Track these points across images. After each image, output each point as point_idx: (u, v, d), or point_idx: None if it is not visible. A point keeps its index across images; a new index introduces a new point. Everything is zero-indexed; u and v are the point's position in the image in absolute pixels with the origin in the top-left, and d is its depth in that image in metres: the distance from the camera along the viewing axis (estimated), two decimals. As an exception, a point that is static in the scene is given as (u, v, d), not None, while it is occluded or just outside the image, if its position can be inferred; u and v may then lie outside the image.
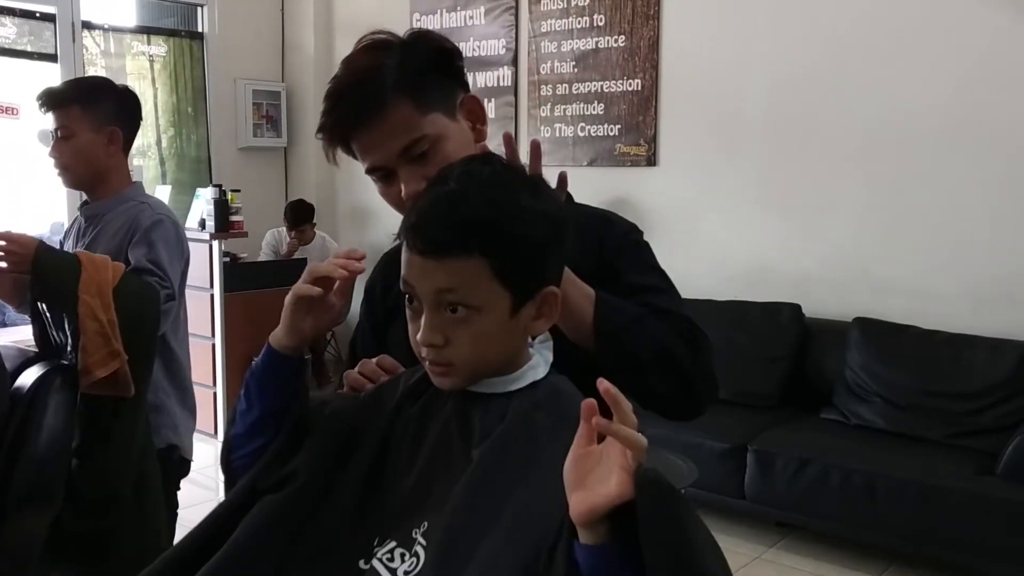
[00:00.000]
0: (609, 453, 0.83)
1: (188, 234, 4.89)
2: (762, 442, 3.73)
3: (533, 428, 0.99)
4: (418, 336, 1.01)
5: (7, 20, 5.04)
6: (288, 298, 1.13)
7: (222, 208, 4.85)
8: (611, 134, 5.00)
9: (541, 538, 0.88)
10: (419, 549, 0.95)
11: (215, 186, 4.95)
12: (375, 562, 0.97)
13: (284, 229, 5.75)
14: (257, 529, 1.04)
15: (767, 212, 4.46)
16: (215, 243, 4.85)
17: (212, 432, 5.02)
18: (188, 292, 4.96)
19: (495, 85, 5.47)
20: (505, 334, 1.02)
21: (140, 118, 2.43)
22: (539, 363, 1.08)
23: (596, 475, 0.83)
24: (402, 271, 1.02)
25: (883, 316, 4.01)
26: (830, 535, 3.68)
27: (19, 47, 5.14)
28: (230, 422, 1.18)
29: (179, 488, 2.42)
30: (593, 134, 5.06)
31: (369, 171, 1.29)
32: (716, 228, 4.61)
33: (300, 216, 5.71)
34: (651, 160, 4.87)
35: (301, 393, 1.16)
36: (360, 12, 6.09)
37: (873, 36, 4.13)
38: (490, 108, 5.50)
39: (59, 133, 2.26)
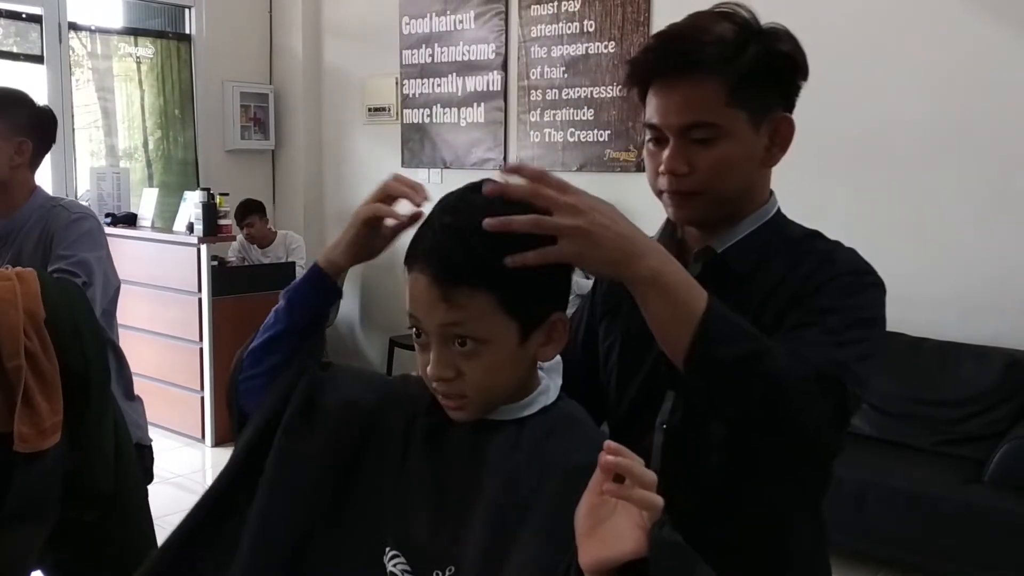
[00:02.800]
0: (625, 507, 0.83)
1: (176, 237, 4.93)
2: (751, 449, 3.73)
3: (543, 460, 1.00)
4: (428, 370, 1.01)
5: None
6: (359, 214, 1.12)
7: (210, 212, 4.82)
8: (600, 140, 5.01)
9: None
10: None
11: (203, 189, 4.92)
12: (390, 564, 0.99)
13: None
14: (284, 505, 1.06)
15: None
16: (203, 247, 4.83)
17: (199, 437, 5.00)
18: (174, 295, 4.99)
19: (484, 89, 5.47)
20: (515, 363, 1.02)
21: (54, 140, 2.35)
22: (549, 387, 1.08)
23: (609, 527, 0.83)
24: (407, 305, 1.02)
25: (871, 324, 4.03)
26: (818, 542, 3.70)
27: (5, 48, 5.11)
28: (248, 341, 1.19)
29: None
30: (583, 139, 5.07)
31: (647, 125, 1.23)
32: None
33: (243, 211, 5.51)
34: (641, 166, 4.86)
35: (325, 322, 1.19)
36: (349, 14, 6.08)
37: (858, 45, 4.16)
38: (479, 112, 5.50)
39: None
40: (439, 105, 5.70)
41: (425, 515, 1.02)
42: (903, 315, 4.00)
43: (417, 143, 5.80)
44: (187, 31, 5.99)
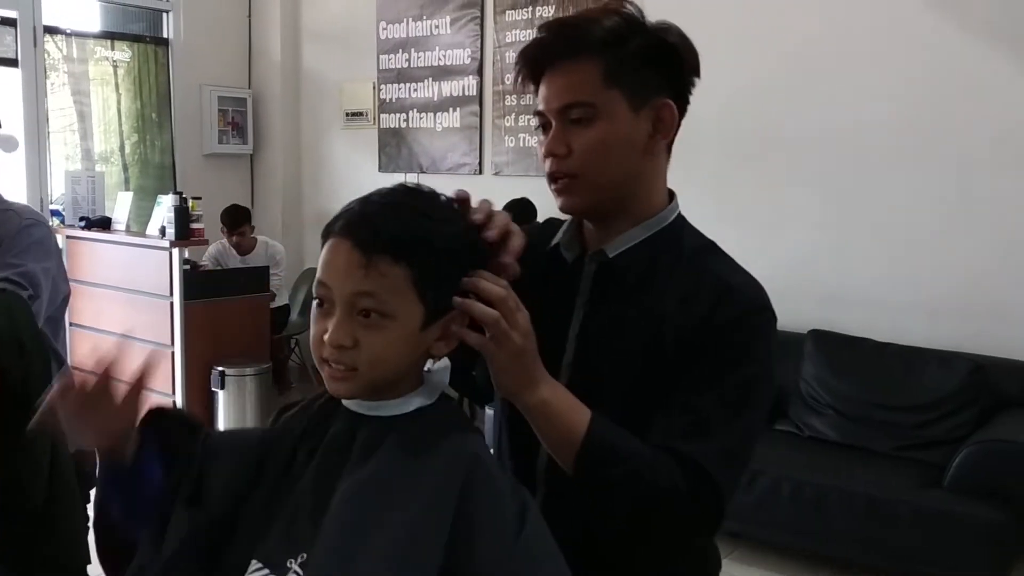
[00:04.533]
0: None
1: (148, 241, 4.93)
2: (715, 453, 3.74)
3: (400, 459, 1.01)
4: (325, 336, 1.01)
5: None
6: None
7: (182, 216, 4.82)
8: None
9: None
10: None
11: (176, 193, 4.91)
12: None
13: (226, 241, 5.64)
14: (174, 553, 1.06)
15: (721, 223, 4.39)
16: (175, 251, 4.82)
17: (171, 441, 4.99)
18: (146, 299, 4.99)
19: (460, 94, 5.48)
20: (410, 347, 1.03)
21: None
22: (428, 390, 1.09)
23: None
24: (319, 273, 1.03)
25: (838, 328, 4.05)
26: (781, 546, 3.71)
27: (-21, 51, 5.12)
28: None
29: (89, 500, 2.38)
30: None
31: (535, 113, 1.26)
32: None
33: (236, 219, 5.57)
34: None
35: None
36: (326, 18, 6.09)
37: (827, 51, 4.17)
38: (455, 117, 5.51)
39: None
40: (415, 110, 5.71)
41: (287, 518, 1.03)
42: (869, 320, 4.03)
43: (394, 147, 5.81)
44: (165, 35, 6.00)
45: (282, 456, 1.10)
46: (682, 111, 1.27)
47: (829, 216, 4.22)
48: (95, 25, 5.82)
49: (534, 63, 1.24)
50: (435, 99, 5.61)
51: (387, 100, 5.83)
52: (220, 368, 4.91)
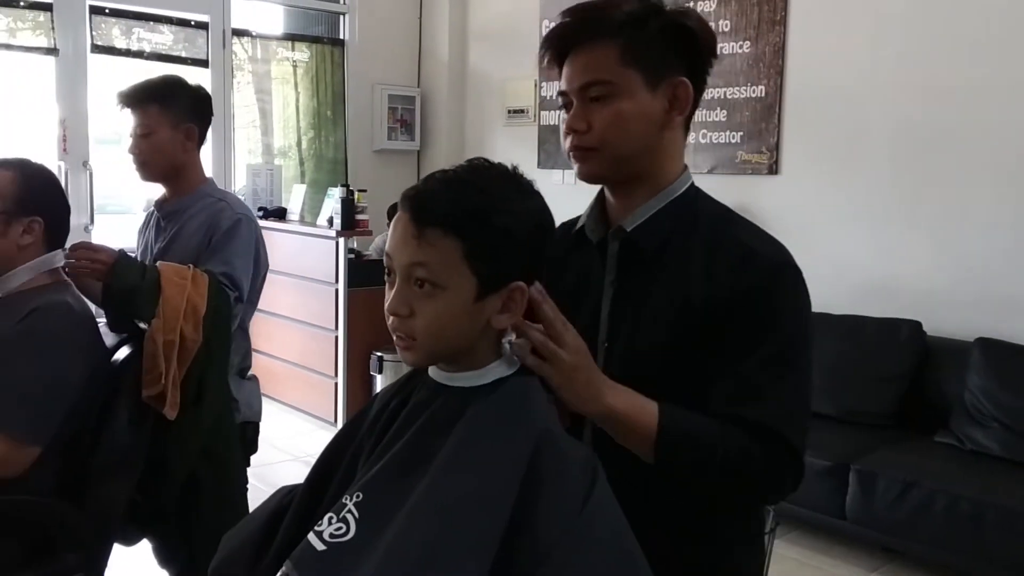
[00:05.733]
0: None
1: (317, 231, 5.21)
2: (866, 462, 3.58)
3: (472, 427, 1.05)
4: (386, 305, 1.08)
5: (164, 28, 5.45)
6: None
7: (349, 207, 5.07)
8: (733, 141, 4.92)
9: (441, 524, 0.96)
10: (348, 516, 1.02)
11: (343, 186, 5.17)
12: (311, 535, 1.05)
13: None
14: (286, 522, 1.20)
15: (891, 225, 4.28)
16: (341, 240, 5.08)
17: (332, 421, 5.26)
18: (314, 285, 5.27)
19: (619, 91, 5.47)
20: (466, 318, 1.07)
21: (212, 114, 2.53)
22: (507, 362, 1.13)
23: None
24: (386, 245, 1.10)
25: (1008, 337, 3.79)
26: (934, 563, 3.51)
27: (174, 53, 5.54)
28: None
29: (249, 464, 2.56)
30: (714, 141, 5.00)
31: (559, 93, 1.35)
32: (836, 239, 4.46)
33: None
34: (772, 168, 4.76)
35: None
36: (492, 18, 6.23)
37: (1009, 44, 3.91)
38: (613, 114, 5.51)
39: (139, 131, 2.39)
40: (575, 107, 5.75)
41: (362, 476, 1.10)
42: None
43: (553, 144, 5.87)
44: (341, 36, 6.31)
45: (372, 424, 1.17)
46: (699, 90, 1.33)
47: (1003, 220, 3.95)
48: (278, 28, 6.20)
49: (559, 46, 1.31)
50: (595, 96, 5.62)
51: (548, 97, 5.90)
52: (379, 353, 5.13)
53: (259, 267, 2.48)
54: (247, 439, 2.56)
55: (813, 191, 4.59)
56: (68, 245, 2.18)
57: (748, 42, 4.83)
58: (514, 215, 1.08)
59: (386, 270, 1.11)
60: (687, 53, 1.29)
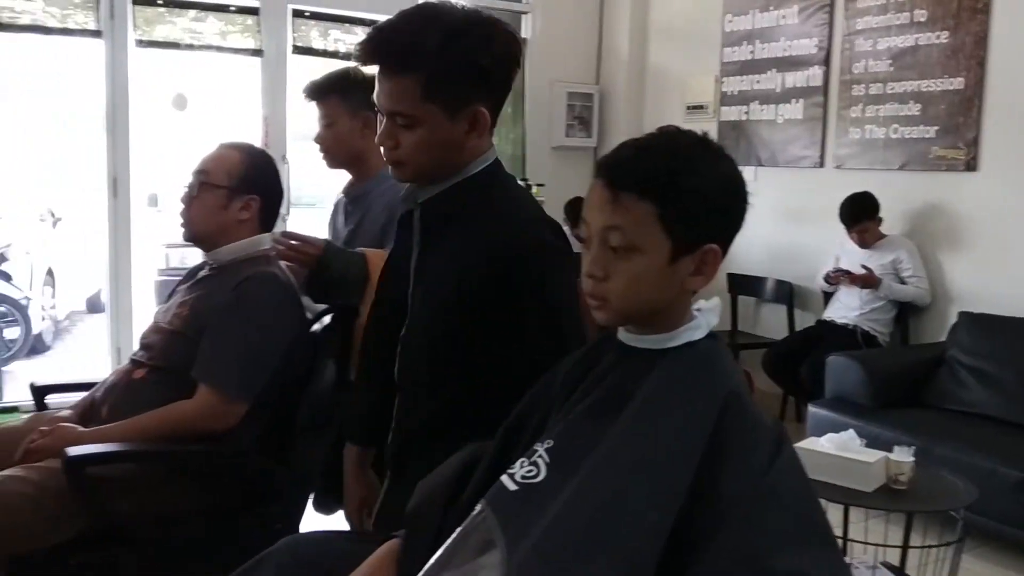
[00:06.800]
0: None
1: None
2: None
3: (661, 387, 1.08)
4: (584, 268, 1.12)
5: (358, 29, 5.73)
6: None
7: (527, 201, 5.17)
8: (926, 136, 4.69)
9: (628, 474, 1.00)
10: (539, 460, 1.07)
11: (521, 180, 5.29)
12: (504, 476, 1.11)
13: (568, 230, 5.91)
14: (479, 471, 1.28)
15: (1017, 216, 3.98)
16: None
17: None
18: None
19: (804, 85, 5.33)
20: (660, 280, 1.10)
21: None
22: (700, 325, 1.14)
23: None
24: (584, 211, 1.16)
25: None
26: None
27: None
28: None
29: None
30: (906, 136, 4.78)
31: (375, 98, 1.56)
32: (1040, 241, 4.19)
33: (579, 211, 5.85)
34: (970, 165, 4.50)
35: None
36: (673, 14, 6.20)
37: None
38: (797, 108, 5.38)
39: (323, 121, 2.55)
40: (756, 102, 5.64)
41: (551, 428, 1.15)
42: None
43: (733, 140, 5.78)
44: (523, 35, 6.44)
45: (563, 383, 1.22)
46: (500, 105, 1.56)
47: None
48: (463, 28, 6.39)
49: (366, 61, 1.51)
50: (777, 90, 5.50)
51: (728, 93, 5.82)
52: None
53: None
54: None
55: (1015, 189, 4.31)
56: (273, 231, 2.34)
57: (946, 32, 4.59)
58: (705, 178, 1.10)
59: (586, 235, 1.15)
60: (484, 84, 1.48)
